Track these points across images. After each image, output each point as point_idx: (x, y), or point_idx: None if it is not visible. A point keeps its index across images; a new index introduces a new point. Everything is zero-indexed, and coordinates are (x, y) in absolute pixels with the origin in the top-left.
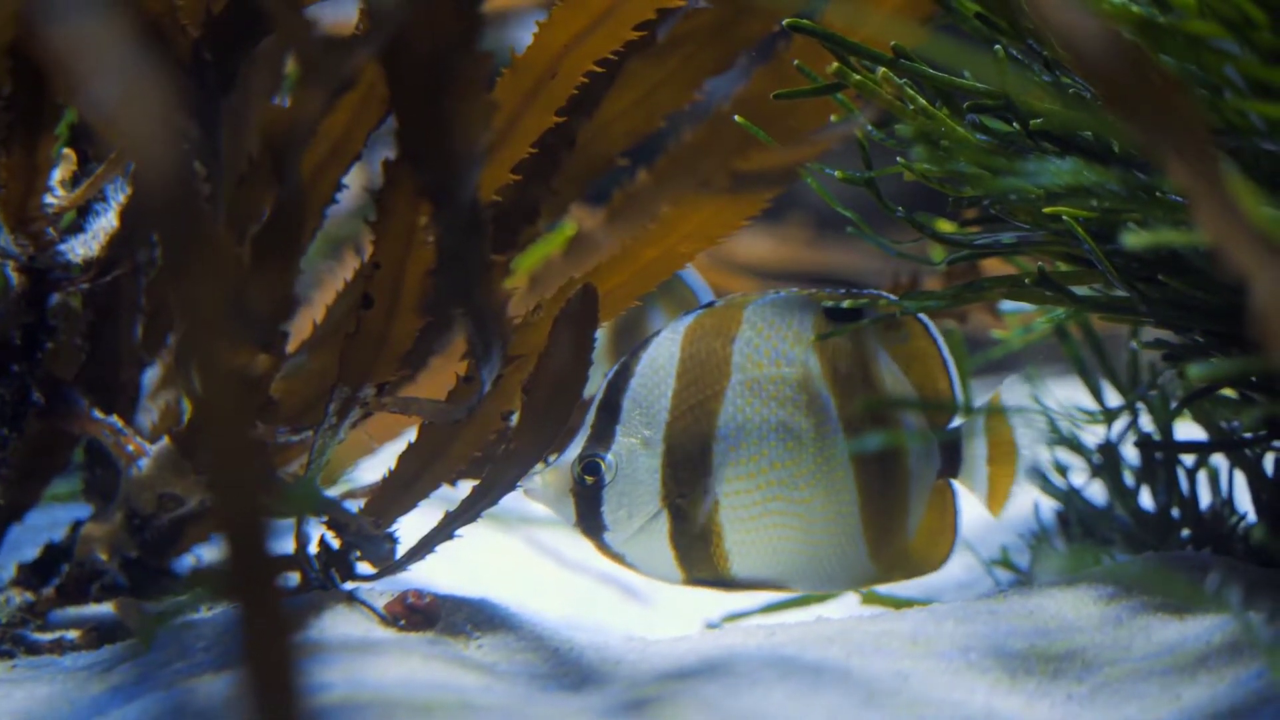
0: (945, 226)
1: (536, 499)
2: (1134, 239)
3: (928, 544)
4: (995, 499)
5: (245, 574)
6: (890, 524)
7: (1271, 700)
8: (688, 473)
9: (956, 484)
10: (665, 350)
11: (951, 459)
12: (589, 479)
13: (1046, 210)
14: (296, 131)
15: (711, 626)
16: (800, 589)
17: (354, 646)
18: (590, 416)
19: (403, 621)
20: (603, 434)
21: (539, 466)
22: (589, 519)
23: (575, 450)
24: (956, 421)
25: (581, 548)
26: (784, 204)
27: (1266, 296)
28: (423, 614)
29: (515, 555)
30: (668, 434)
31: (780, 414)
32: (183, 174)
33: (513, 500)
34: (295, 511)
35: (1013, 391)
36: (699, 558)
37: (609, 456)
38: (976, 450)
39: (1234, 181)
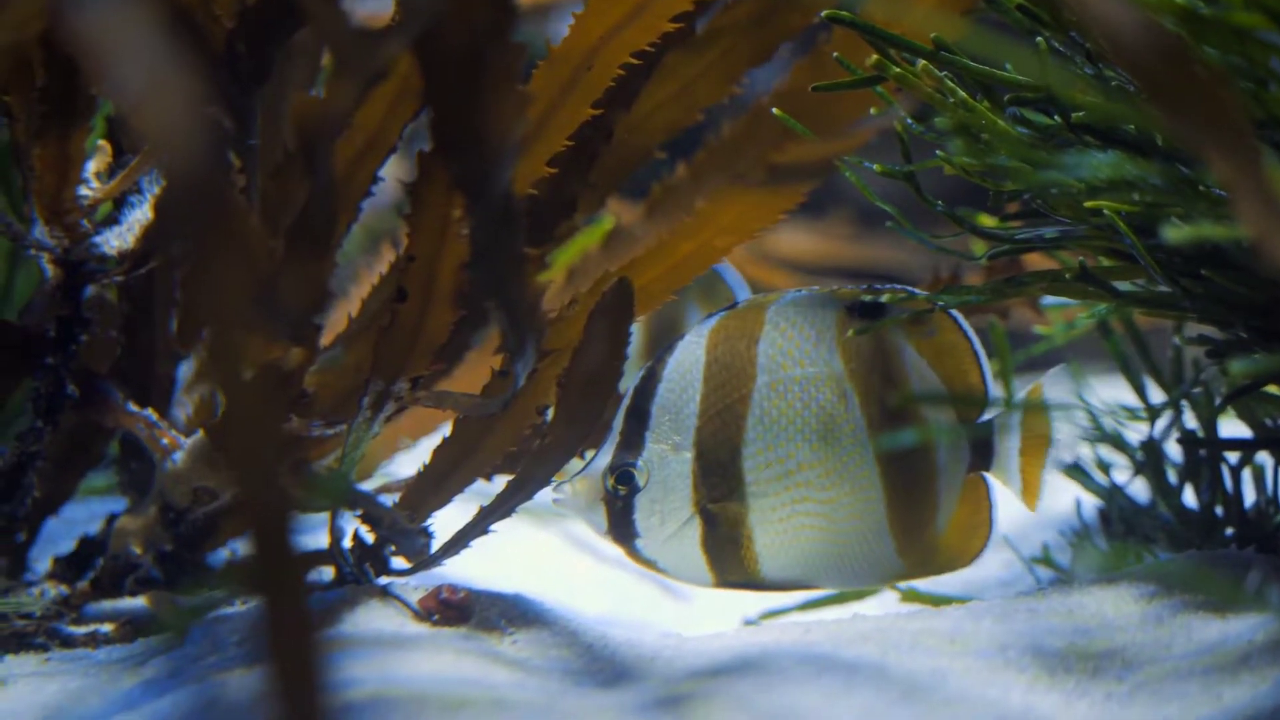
0: (987, 221)
1: (567, 508)
2: (1174, 233)
3: (960, 538)
4: (1029, 492)
5: (269, 570)
6: (918, 519)
7: None
8: (718, 477)
9: (991, 478)
10: (691, 354)
11: (984, 453)
12: (622, 489)
13: (1088, 204)
14: (329, 122)
15: (749, 623)
16: (829, 587)
17: (386, 641)
18: (619, 423)
19: (436, 616)
20: (632, 441)
21: (572, 468)
22: (621, 527)
23: (605, 458)
24: (989, 414)
25: None
26: (828, 199)
27: None
28: (456, 609)
29: (553, 550)
30: (697, 439)
31: (806, 414)
32: (210, 163)
33: (549, 495)
34: (327, 504)
35: (1055, 383)
36: (730, 561)
37: (640, 464)
38: (1009, 443)
39: (1276, 176)
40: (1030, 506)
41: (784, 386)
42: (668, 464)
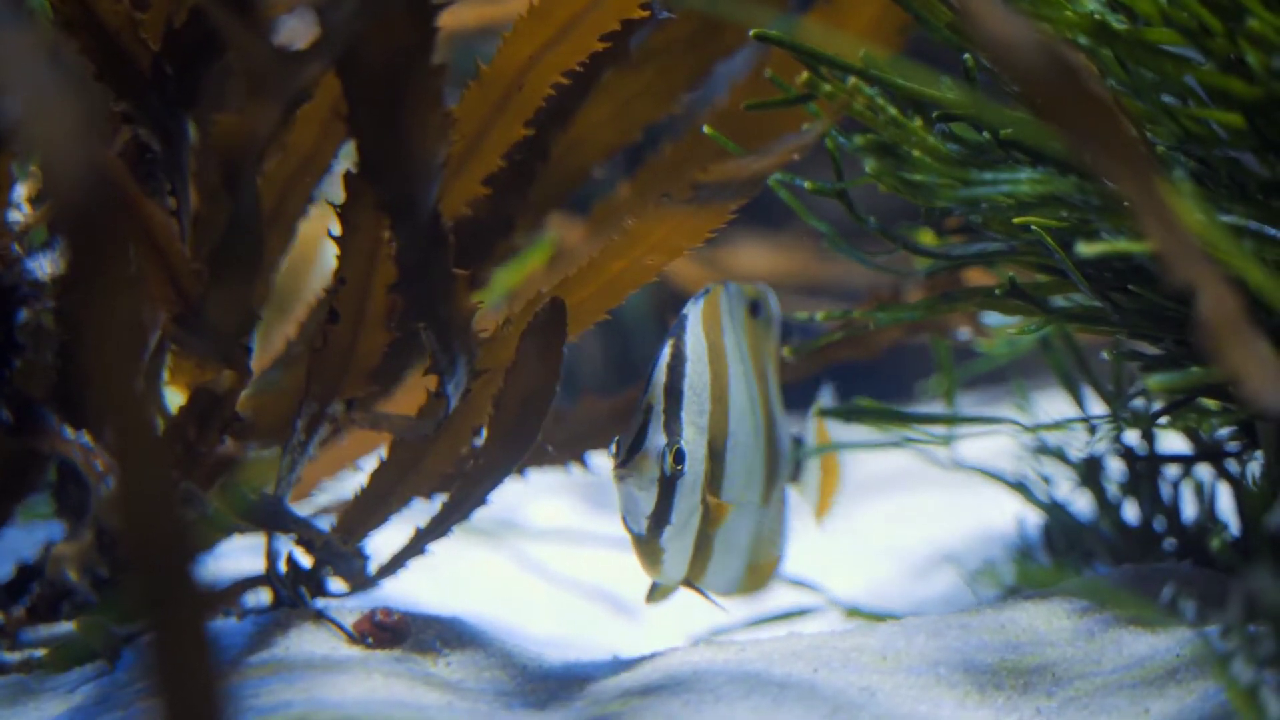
0: (927, 237)
1: (632, 484)
2: (1088, 248)
3: (770, 547)
4: (823, 506)
5: (159, 609)
6: (772, 528)
7: (1238, 713)
8: (714, 467)
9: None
10: (698, 335)
11: (796, 467)
12: (679, 468)
13: (1016, 220)
14: (251, 143)
15: (697, 642)
16: (713, 591)
17: (316, 665)
18: (660, 401)
19: (370, 639)
20: (673, 420)
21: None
22: (661, 511)
23: (658, 437)
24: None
25: (570, 563)
26: (789, 215)
27: (1211, 306)
28: (391, 631)
29: (502, 572)
30: (710, 424)
31: (752, 409)
32: (95, 187)
33: (501, 514)
34: (259, 528)
35: (827, 398)
36: (697, 559)
37: (684, 445)
38: (813, 462)
39: (1172, 192)
40: (819, 519)
41: (740, 380)
42: (696, 448)
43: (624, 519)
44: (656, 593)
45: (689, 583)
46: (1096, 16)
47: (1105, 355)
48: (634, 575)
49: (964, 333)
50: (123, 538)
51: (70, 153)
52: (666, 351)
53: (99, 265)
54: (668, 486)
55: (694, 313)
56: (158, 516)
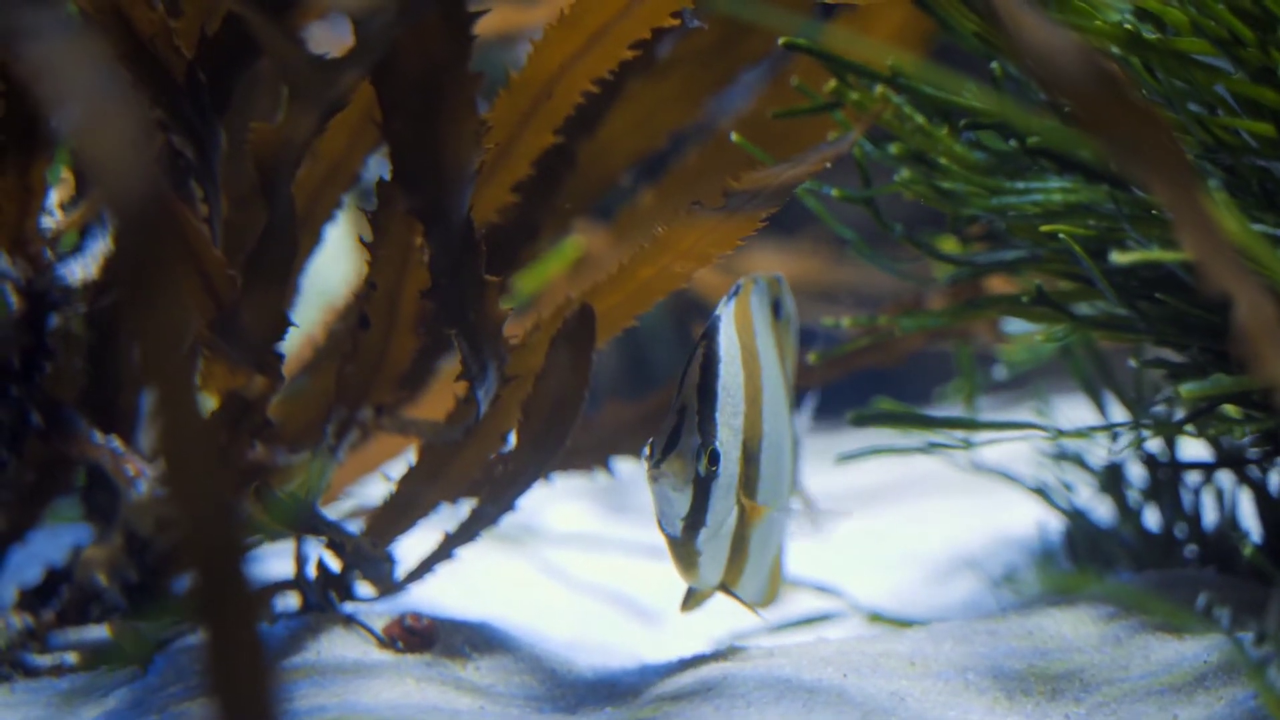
0: (950, 244)
1: (667, 485)
2: (1122, 256)
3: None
4: None
5: (214, 606)
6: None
7: None
8: (749, 469)
9: None
10: (730, 336)
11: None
12: (713, 469)
13: (1043, 229)
14: (287, 151)
15: (719, 648)
16: (746, 596)
17: (349, 669)
18: (693, 403)
19: (400, 643)
20: (706, 421)
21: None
22: (696, 513)
23: (693, 437)
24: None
25: (590, 568)
26: (804, 221)
27: (1247, 315)
28: (420, 636)
29: (524, 577)
30: (744, 424)
31: (783, 411)
32: (150, 198)
33: (522, 519)
34: (290, 531)
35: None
36: (732, 563)
37: (719, 446)
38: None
39: (1212, 201)
40: None
41: (772, 381)
42: (730, 450)
43: (659, 521)
44: (692, 599)
45: (724, 587)
46: (1128, 26)
47: (1132, 363)
48: (654, 580)
49: (1001, 370)
50: (173, 538)
51: (127, 162)
52: (699, 352)
53: (153, 273)
54: (703, 488)
55: (726, 313)
56: (208, 517)
